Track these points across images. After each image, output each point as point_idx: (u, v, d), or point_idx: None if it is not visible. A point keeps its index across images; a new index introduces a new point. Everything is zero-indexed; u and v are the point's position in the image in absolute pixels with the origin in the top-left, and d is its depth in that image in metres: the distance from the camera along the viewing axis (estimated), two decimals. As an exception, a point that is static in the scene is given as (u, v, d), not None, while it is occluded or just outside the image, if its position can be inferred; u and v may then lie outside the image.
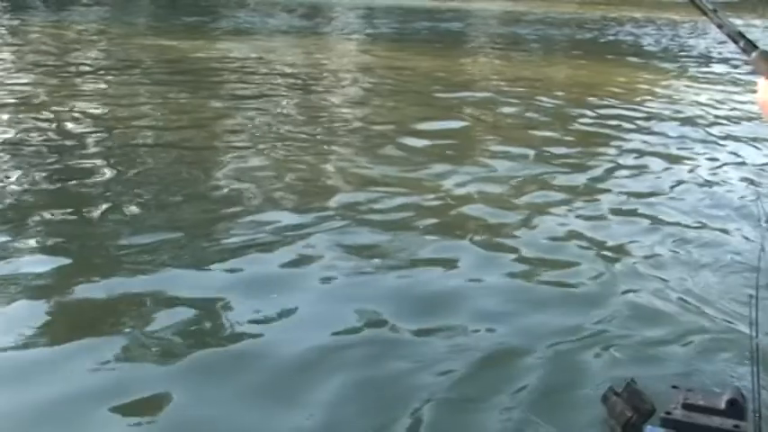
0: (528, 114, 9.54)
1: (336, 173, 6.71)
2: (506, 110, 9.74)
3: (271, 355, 3.64)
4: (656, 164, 7.59)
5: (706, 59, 15.36)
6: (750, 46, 1.47)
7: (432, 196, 6.15)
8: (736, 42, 1.49)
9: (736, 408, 2.33)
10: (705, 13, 1.51)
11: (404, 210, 5.81)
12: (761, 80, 1.42)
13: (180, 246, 4.89)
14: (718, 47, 16.13)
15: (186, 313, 3.98)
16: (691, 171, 7.39)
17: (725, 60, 14.63)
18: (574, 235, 5.47)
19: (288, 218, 5.48)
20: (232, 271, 4.58)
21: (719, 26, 1.50)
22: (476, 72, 13.16)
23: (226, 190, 6.10)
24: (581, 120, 9.36)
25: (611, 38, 19.24)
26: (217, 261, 4.68)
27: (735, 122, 9.58)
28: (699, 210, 6.19)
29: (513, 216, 5.82)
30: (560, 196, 6.36)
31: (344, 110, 9.45)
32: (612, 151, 8.09)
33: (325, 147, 7.63)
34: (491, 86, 11.52)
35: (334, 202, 5.88)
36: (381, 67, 12.78)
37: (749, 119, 9.47)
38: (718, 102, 10.87)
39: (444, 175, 6.72)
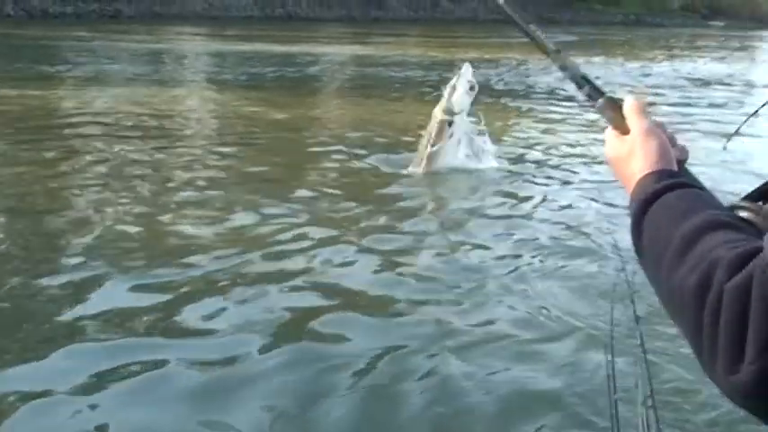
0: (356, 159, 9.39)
1: (169, 225, 6.52)
2: (338, 156, 9.54)
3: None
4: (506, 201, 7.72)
5: (551, 97, 15.84)
6: (595, 92, 1.30)
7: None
8: (580, 87, 1.32)
9: None
10: (547, 54, 1.36)
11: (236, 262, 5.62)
12: (608, 131, 1.26)
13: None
14: (561, 84, 16.65)
15: None
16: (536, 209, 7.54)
17: (568, 98, 15.02)
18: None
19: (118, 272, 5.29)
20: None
21: (562, 69, 1.34)
22: (327, 117, 13.05)
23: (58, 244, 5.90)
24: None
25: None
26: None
27: (580, 160, 9.76)
28: (550, 244, 6.35)
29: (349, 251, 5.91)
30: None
31: (186, 158, 9.06)
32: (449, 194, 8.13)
33: (164, 199, 7.30)
34: (337, 131, 11.38)
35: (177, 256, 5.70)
36: (226, 114, 12.59)
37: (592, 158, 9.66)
38: (564, 141, 11.09)
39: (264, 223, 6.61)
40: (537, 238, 6.52)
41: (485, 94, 11.98)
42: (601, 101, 1.28)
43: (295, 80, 18.78)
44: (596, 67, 23.38)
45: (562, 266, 5.82)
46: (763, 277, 0.84)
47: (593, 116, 10.97)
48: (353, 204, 7.35)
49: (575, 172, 9.08)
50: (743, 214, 1.05)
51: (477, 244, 6.32)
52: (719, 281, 0.89)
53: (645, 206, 1.09)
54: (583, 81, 1.32)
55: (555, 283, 5.46)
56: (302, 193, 7.65)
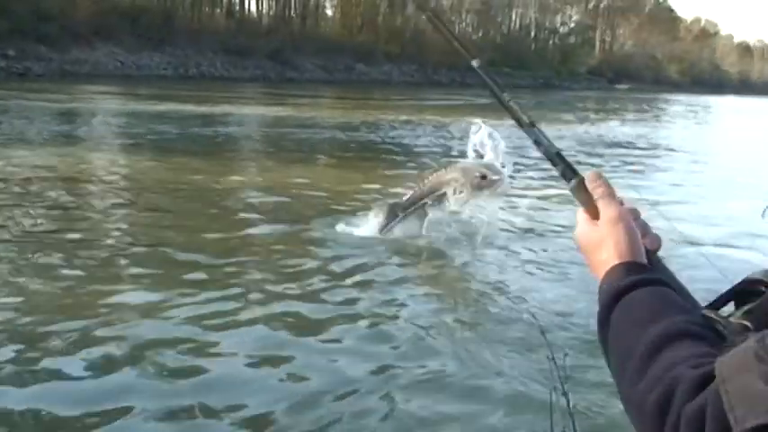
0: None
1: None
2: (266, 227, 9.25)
3: None
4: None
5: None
6: (569, 172, 1.25)
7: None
8: (554, 165, 1.28)
9: None
10: (520, 126, 1.33)
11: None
12: (579, 213, 1.21)
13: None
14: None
15: None
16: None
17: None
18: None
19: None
20: None
21: (536, 143, 1.31)
22: (242, 179, 12.71)
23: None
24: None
25: (387, 139, 19.52)
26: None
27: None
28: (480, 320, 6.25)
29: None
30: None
31: (93, 224, 8.66)
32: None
33: (65, 272, 6.81)
34: (251, 194, 11.11)
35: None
36: (137, 176, 12.09)
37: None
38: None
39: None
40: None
41: (405, 156, 11.98)
42: (573, 182, 1.24)
43: (210, 141, 18.47)
44: (509, 130, 23.61)
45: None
46: (716, 403, 0.84)
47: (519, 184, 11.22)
48: (269, 268, 7.15)
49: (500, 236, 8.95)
50: (716, 326, 1.02)
51: (403, 304, 6.36)
52: (679, 403, 0.89)
53: (611, 303, 1.08)
54: (557, 159, 1.28)
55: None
56: (212, 259, 7.36)
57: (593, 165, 16.47)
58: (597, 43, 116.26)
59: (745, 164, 19.45)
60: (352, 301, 6.36)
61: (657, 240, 1.21)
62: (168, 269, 7.01)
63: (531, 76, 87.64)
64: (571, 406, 2.63)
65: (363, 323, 5.87)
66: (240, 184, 11.90)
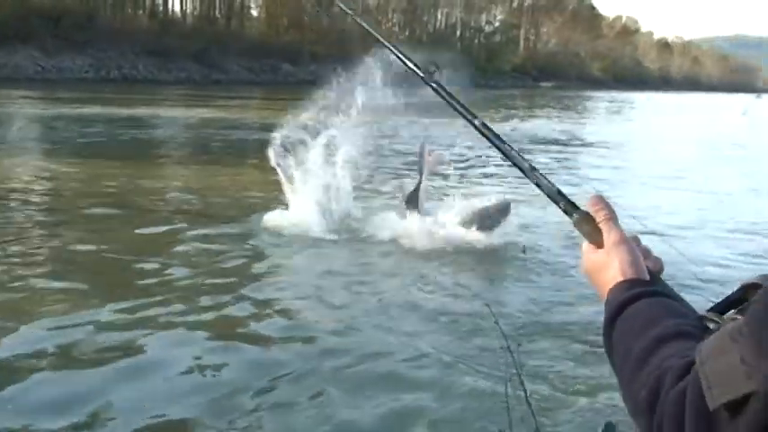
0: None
1: None
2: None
3: None
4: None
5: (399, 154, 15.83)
6: (571, 207, 1.34)
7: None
8: (556, 203, 1.37)
9: None
10: (523, 173, 1.43)
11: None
12: (584, 245, 1.29)
13: None
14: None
15: None
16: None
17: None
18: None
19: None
20: None
21: (538, 186, 1.40)
22: (166, 182, 12.49)
23: None
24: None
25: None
26: None
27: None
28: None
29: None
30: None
31: (9, 228, 8.44)
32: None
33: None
34: (177, 197, 10.92)
35: None
36: (60, 181, 11.81)
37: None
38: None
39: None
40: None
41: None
42: (576, 216, 1.31)
43: (134, 144, 18.18)
44: (439, 128, 23.82)
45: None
46: (695, 385, 0.88)
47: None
48: (194, 268, 7.06)
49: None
50: (709, 325, 1.06)
51: (332, 303, 6.30)
52: (665, 391, 0.93)
53: (614, 315, 1.13)
54: (559, 197, 1.36)
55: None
56: (138, 260, 7.23)
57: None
58: (522, 42, 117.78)
59: (666, 155, 19.94)
60: (281, 299, 6.34)
61: (659, 263, 1.26)
62: (92, 271, 6.87)
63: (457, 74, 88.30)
64: (528, 393, 2.67)
65: (293, 318, 5.86)
66: (166, 186, 11.71)
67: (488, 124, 1.50)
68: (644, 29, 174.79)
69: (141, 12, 71.17)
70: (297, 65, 71.13)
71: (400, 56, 1.72)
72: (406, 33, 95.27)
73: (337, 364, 4.95)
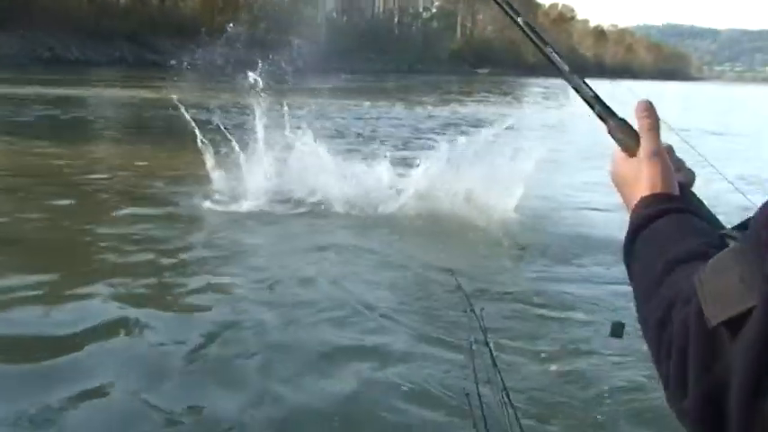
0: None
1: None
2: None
3: None
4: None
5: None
6: (606, 112, 1.31)
7: None
8: (591, 107, 1.34)
9: None
10: (562, 74, 1.39)
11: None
12: (616, 152, 1.25)
13: None
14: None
15: None
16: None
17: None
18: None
19: None
20: None
21: (576, 89, 1.37)
22: (101, 161, 12.33)
23: None
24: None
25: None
26: None
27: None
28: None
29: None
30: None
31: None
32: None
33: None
34: (112, 176, 10.79)
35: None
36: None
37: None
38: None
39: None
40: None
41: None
42: (611, 122, 1.28)
43: (65, 125, 17.78)
44: (383, 109, 23.96)
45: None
46: (696, 304, 0.85)
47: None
48: (139, 248, 6.92)
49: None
50: (729, 243, 0.99)
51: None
52: (674, 313, 0.91)
53: (637, 230, 1.11)
54: (593, 101, 1.34)
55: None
56: (73, 242, 7.14)
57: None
58: (459, 28, 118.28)
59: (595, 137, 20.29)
60: (236, 275, 6.27)
61: (692, 175, 1.24)
62: (25, 255, 6.71)
63: (395, 60, 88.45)
64: (494, 356, 2.66)
65: (242, 295, 5.77)
66: (100, 167, 11.51)
67: (532, 24, 1.49)
68: (580, 16, 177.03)
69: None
70: (229, 46, 70.22)
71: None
72: (344, 20, 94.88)
73: (300, 337, 4.91)
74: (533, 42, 1.46)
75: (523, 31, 1.49)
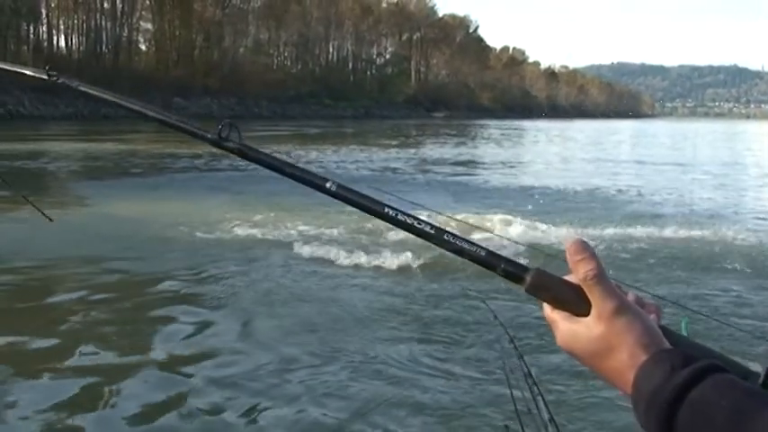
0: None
1: None
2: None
3: None
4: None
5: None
6: (517, 268, 0.98)
7: None
8: (491, 268, 1.00)
9: None
10: (428, 238, 1.01)
11: None
12: (551, 314, 0.95)
13: None
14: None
15: None
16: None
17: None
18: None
19: None
20: None
21: (456, 251, 1.00)
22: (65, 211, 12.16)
23: None
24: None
25: (209, 168, 19.22)
26: None
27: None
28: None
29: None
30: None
31: None
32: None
33: None
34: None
35: None
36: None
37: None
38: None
39: None
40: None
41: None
42: (528, 278, 0.95)
43: (21, 176, 17.61)
44: (340, 156, 24.10)
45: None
46: None
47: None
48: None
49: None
50: None
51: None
52: None
53: (670, 408, 0.83)
54: (493, 259, 0.98)
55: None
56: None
57: (433, 182, 17.27)
58: (413, 73, 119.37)
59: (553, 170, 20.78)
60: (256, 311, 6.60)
61: (659, 310, 0.97)
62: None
63: (351, 106, 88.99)
64: (534, 381, 2.55)
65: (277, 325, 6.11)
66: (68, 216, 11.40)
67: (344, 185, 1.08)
68: (531, 59, 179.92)
69: (25, 48, 69.17)
70: (188, 98, 70.24)
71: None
72: (299, 66, 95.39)
73: (341, 365, 5.15)
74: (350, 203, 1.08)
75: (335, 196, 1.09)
